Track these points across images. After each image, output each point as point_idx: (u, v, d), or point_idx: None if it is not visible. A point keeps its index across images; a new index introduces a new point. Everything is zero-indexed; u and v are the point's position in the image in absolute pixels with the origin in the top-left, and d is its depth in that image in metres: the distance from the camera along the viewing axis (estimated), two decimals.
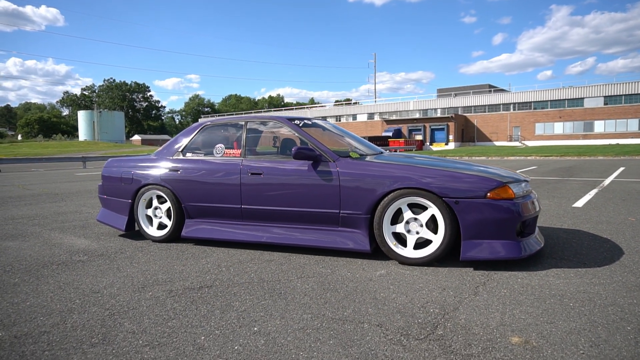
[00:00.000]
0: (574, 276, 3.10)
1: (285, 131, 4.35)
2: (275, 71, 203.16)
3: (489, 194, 3.26)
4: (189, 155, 4.50)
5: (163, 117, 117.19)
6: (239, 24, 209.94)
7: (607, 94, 46.25)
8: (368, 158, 3.92)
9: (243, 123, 4.37)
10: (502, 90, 58.04)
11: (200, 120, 4.91)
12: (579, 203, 6.67)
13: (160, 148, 4.79)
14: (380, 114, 61.30)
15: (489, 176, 3.39)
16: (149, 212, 4.57)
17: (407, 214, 3.47)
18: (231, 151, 4.29)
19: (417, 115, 56.15)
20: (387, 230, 3.51)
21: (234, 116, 4.66)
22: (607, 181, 10.12)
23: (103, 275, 3.34)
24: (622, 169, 14.12)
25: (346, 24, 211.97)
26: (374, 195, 3.51)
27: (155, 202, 4.53)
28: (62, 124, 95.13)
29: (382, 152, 4.48)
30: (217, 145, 4.40)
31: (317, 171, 3.74)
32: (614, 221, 5.14)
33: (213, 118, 4.88)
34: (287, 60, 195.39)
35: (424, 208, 3.44)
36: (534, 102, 50.41)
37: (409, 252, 3.46)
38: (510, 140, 50.92)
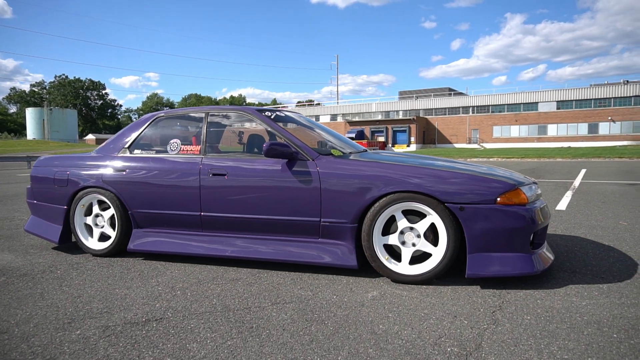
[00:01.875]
0: (599, 295, 2.64)
1: (254, 125, 3.72)
2: (237, 71, 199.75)
3: (499, 198, 2.76)
4: (137, 152, 3.79)
5: (119, 116, 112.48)
6: (200, 23, 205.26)
7: (559, 99, 47.94)
8: (352, 156, 3.35)
9: (203, 115, 3.70)
10: (462, 94, 59.13)
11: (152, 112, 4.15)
12: (561, 206, 6.37)
13: (104, 144, 4.04)
14: (343, 115, 61.10)
15: (497, 177, 2.89)
16: (89, 220, 3.81)
17: (402, 223, 2.91)
18: (189, 147, 3.62)
19: (379, 117, 56.25)
20: (378, 242, 2.95)
21: (193, 107, 3.98)
22: (576, 182, 10.03)
23: (20, 305, 2.60)
24: (584, 170, 14.26)
25: (309, 25, 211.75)
26: (362, 200, 2.94)
27: (96, 209, 3.78)
28: (9, 122, 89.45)
29: (365, 150, 3.92)
30: (171, 141, 3.71)
31: (292, 171, 3.13)
32: (607, 226, 4.81)
33: (168, 109, 4.17)
34: (249, 60, 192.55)
35: (422, 215, 2.90)
36: (491, 105, 51.57)
37: (404, 267, 2.91)
38: (470, 143, 51.88)
